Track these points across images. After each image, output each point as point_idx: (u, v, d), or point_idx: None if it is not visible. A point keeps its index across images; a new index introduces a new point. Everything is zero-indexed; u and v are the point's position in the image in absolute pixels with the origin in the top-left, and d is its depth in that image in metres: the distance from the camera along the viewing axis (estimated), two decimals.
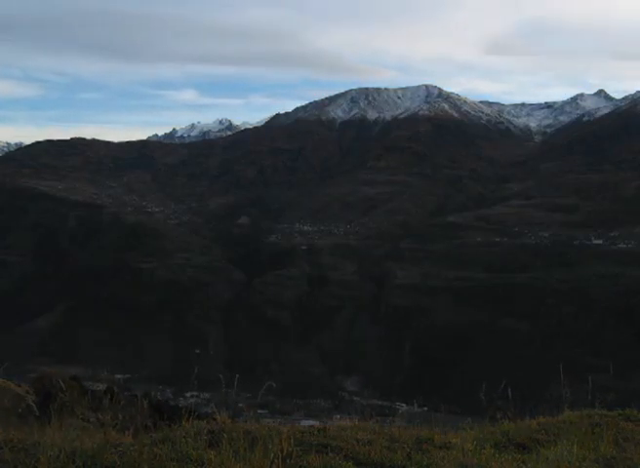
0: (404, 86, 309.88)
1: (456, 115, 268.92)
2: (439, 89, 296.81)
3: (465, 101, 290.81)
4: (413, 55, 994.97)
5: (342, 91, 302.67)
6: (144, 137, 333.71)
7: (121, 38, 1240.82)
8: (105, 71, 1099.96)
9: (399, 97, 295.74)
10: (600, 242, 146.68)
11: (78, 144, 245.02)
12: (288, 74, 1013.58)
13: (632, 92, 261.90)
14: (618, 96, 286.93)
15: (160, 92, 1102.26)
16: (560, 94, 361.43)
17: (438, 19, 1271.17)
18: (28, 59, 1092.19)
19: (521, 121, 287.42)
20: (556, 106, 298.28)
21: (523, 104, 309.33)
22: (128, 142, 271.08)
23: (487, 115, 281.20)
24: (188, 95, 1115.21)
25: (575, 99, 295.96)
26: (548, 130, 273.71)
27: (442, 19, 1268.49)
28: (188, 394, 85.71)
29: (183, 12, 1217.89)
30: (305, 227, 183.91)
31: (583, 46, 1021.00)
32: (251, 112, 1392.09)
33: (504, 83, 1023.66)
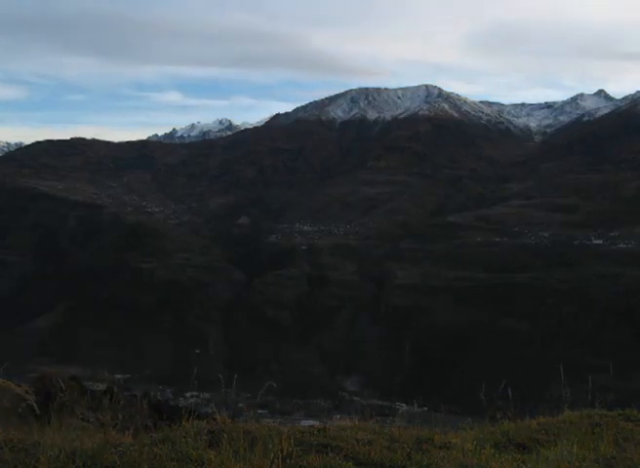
0: (403, 86, 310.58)
1: (456, 115, 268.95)
2: (439, 89, 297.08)
3: (465, 101, 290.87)
4: (386, 57, 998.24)
5: (323, 91, 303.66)
6: (144, 137, 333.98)
7: (102, 40, 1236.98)
8: (89, 73, 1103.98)
9: (399, 97, 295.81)
10: (600, 242, 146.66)
11: (78, 144, 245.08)
12: (268, 75, 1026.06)
13: (631, 92, 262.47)
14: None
15: (144, 93, 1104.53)
16: (532, 96, 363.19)
17: (409, 21, 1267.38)
18: (9, 61, 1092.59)
19: (521, 121, 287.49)
20: (556, 106, 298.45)
21: (523, 104, 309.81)
22: (128, 142, 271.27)
23: (487, 115, 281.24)
24: (172, 96, 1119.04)
25: (575, 99, 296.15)
26: (548, 130, 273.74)
27: (413, 20, 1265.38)
28: (188, 394, 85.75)
29: (170, 14, 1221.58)
30: (305, 227, 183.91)
31: (556, 47, 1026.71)
32: (234, 113, 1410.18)
33: (481, 85, 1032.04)
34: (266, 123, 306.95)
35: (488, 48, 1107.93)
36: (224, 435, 6.17)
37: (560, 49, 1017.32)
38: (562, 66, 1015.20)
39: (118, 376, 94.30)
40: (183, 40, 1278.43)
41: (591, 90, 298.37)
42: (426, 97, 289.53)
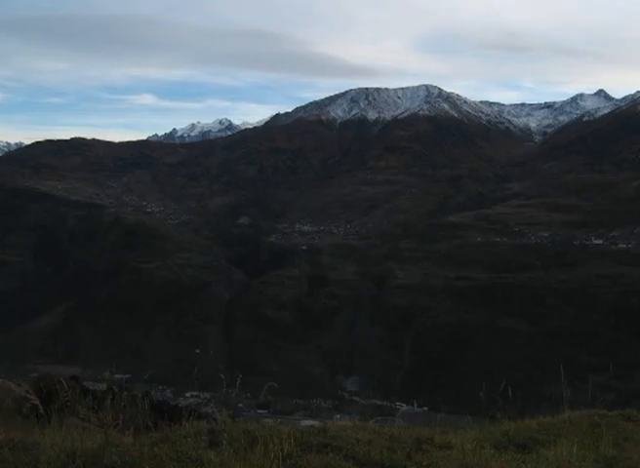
0: (403, 86, 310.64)
1: (456, 115, 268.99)
2: (439, 89, 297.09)
3: (465, 101, 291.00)
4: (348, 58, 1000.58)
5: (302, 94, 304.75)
6: (144, 138, 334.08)
7: (79, 41, 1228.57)
8: (65, 77, 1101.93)
9: (399, 97, 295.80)
10: (600, 242, 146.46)
11: (78, 144, 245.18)
12: (243, 77, 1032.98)
13: (632, 92, 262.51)
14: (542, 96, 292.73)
15: (125, 96, 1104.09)
16: (495, 99, 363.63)
17: (359, 25, 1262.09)
18: None
19: (521, 121, 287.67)
20: (556, 106, 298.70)
21: (523, 104, 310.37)
22: (128, 142, 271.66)
23: (487, 115, 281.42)
24: (149, 99, 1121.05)
25: (575, 99, 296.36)
26: (548, 130, 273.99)
27: (363, 25, 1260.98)
28: (188, 394, 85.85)
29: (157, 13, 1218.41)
30: (305, 227, 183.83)
31: (515, 49, 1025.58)
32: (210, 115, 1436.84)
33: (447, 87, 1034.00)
34: (266, 123, 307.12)
35: (441, 50, 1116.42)
36: (224, 435, 6.17)
37: (518, 51, 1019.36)
38: (519, 68, 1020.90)
39: (118, 376, 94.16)
40: (142, 42, 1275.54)
41: (554, 91, 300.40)
42: (426, 96, 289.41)
